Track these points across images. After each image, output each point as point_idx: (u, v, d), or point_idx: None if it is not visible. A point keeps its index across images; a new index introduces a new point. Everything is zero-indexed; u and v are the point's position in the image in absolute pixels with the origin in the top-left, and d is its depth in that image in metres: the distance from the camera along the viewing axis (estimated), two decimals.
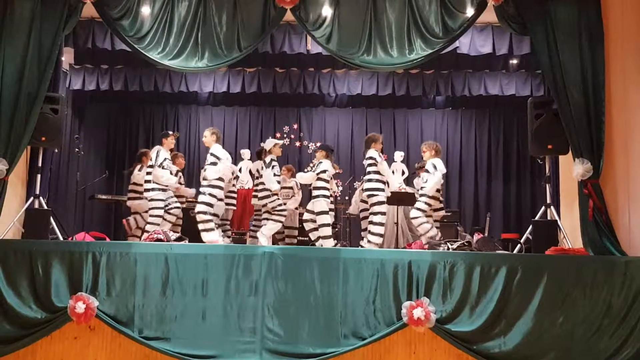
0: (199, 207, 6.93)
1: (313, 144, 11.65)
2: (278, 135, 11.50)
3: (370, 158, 7.30)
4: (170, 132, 8.01)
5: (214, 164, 6.97)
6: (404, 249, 7.51)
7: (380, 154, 7.48)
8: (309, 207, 7.38)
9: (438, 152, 7.55)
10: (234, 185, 8.83)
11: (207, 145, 7.28)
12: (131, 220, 8.18)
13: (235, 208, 8.95)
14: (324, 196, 7.22)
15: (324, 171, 7.23)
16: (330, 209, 8.21)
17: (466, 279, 5.29)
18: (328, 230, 7.13)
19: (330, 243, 7.08)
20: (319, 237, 7.18)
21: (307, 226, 7.38)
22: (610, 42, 6.23)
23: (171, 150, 7.87)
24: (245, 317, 5.31)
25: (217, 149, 7.11)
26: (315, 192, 7.24)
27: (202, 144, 10.70)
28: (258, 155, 8.56)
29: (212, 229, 6.90)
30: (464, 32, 6.77)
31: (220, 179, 7.02)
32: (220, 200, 7.49)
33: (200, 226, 6.88)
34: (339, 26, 6.63)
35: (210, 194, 6.92)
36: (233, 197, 8.79)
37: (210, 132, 7.22)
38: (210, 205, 6.95)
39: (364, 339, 5.23)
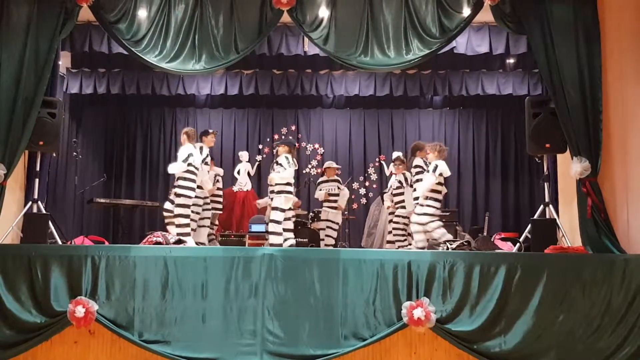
0: (175, 210, 7.09)
1: (312, 146, 11.66)
2: (276, 137, 11.50)
3: (417, 166, 7.32)
4: (210, 130, 8.08)
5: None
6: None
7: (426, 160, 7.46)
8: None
9: (442, 152, 7.27)
10: (218, 188, 8.78)
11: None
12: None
13: (220, 212, 8.89)
14: (287, 192, 7.04)
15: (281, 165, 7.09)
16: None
17: (466, 278, 5.30)
18: (275, 227, 6.94)
19: (276, 239, 6.87)
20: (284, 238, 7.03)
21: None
22: (607, 40, 6.24)
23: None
24: (245, 319, 5.31)
25: (183, 148, 7.22)
26: (277, 188, 7.08)
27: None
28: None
29: (188, 234, 6.97)
30: (461, 32, 6.77)
31: (186, 178, 7.09)
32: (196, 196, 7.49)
33: (178, 230, 6.99)
34: (335, 27, 6.63)
35: (176, 194, 7.09)
36: (218, 202, 8.72)
37: (183, 132, 7.41)
38: (181, 205, 7.03)
39: (365, 340, 5.23)
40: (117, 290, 5.35)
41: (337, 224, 8.63)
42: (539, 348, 5.17)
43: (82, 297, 5.28)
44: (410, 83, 10.37)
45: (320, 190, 8.82)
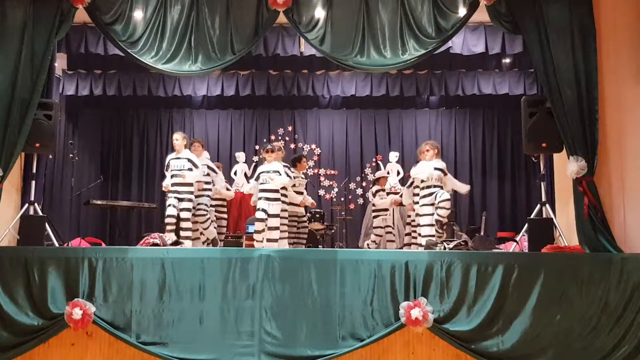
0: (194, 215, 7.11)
1: (308, 146, 11.66)
2: (273, 137, 11.50)
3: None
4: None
5: (190, 169, 7.16)
6: (400, 249, 7.52)
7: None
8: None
9: (439, 152, 7.26)
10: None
11: (177, 149, 7.34)
12: None
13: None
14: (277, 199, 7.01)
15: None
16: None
17: (463, 278, 5.29)
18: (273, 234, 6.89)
19: (276, 242, 6.83)
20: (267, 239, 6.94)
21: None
22: (602, 39, 6.25)
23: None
24: (242, 320, 5.30)
25: (192, 155, 7.31)
26: (274, 195, 7.01)
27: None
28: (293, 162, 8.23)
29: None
30: (457, 32, 6.76)
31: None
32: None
33: (186, 233, 7.01)
34: (332, 28, 6.63)
35: (190, 200, 7.14)
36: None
37: (182, 137, 7.39)
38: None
39: (362, 340, 5.21)
40: (115, 292, 5.34)
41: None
42: (536, 347, 5.16)
43: (79, 299, 5.26)
44: (407, 83, 10.40)
45: (382, 199, 8.78)
